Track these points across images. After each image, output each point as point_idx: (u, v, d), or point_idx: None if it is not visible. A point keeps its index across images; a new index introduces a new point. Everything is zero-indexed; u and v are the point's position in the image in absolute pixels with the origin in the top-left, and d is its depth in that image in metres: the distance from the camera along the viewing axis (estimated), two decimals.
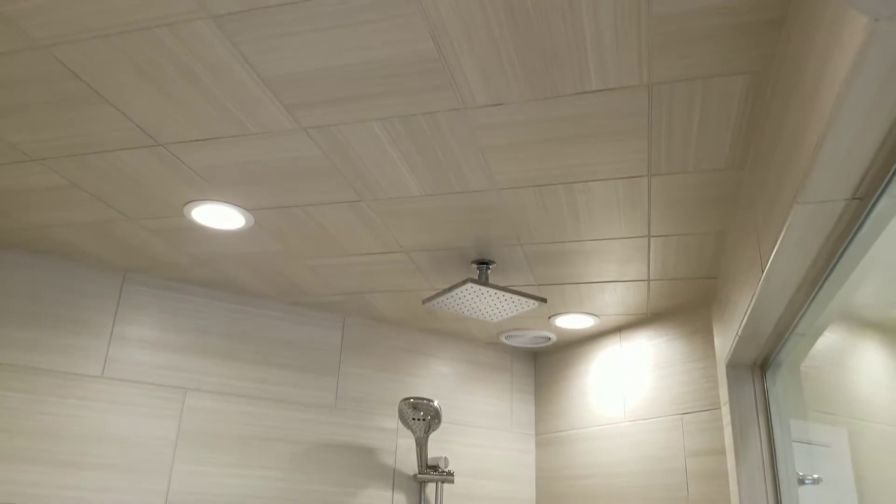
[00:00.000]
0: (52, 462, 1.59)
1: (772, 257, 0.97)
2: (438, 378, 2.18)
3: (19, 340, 1.64)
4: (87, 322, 1.72)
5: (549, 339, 2.16)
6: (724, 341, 1.54)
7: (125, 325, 1.76)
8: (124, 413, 1.70)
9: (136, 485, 1.67)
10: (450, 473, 1.99)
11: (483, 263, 1.62)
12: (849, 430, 1.73)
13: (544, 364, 2.30)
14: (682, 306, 1.83)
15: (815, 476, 1.56)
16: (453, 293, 1.55)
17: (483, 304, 1.61)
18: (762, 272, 1.05)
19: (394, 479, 2.01)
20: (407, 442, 2.06)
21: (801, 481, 1.53)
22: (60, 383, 1.65)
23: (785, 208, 0.88)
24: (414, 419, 1.89)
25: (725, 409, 1.56)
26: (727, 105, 1.00)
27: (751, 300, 1.16)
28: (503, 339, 2.20)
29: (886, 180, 0.75)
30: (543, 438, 2.22)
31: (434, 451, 2.09)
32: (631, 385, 1.92)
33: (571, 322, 1.98)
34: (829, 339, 1.72)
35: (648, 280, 1.66)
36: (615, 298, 1.79)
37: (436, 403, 1.89)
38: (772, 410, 1.51)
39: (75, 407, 1.66)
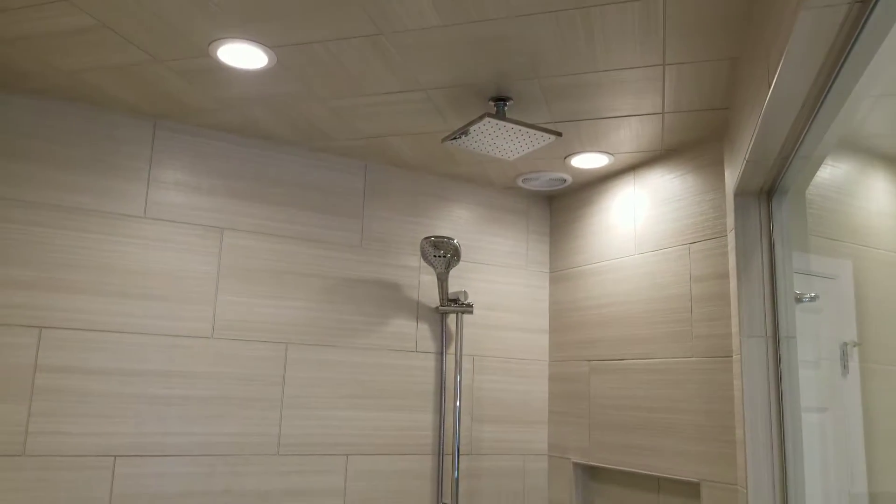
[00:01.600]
0: (103, 293, 1.75)
1: (778, 70, 1.01)
2: (458, 221, 2.28)
3: (63, 183, 1.74)
4: (125, 167, 1.82)
5: (565, 180, 2.23)
6: (733, 170, 1.60)
7: (161, 169, 1.86)
8: (168, 250, 1.84)
9: (185, 312, 1.84)
10: (469, 305, 2.14)
11: (500, 100, 1.66)
12: (853, 261, 1.82)
13: (559, 207, 2.39)
14: (695, 141, 1.87)
15: (812, 294, 1.67)
16: (472, 129, 1.61)
17: (500, 140, 1.67)
18: (769, 89, 1.09)
19: (417, 310, 2.17)
20: (429, 278, 2.20)
21: (799, 299, 1.64)
22: (106, 222, 1.78)
23: (790, 17, 0.91)
24: (435, 256, 2.01)
25: (731, 236, 1.65)
26: None
27: (758, 120, 1.20)
28: (520, 183, 2.28)
29: None
30: (557, 275, 2.35)
31: (454, 286, 2.24)
32: (642, 221, 2.01)
33: (587, 161, 2.04)
34: (837, 170, 1.77)
35: (663, 113, 1.70)
36: (630, 134, 1.84)
37: (455, 241, 2.00)
38: (775, 236, 1.60)
39: (121, 244, 1.79)
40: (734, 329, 1.62)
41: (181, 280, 1.85)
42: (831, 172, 1.78)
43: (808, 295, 1.66)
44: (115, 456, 1.71)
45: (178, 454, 1.78)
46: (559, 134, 1.64)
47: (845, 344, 1.86)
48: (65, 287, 1.71)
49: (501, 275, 2.33)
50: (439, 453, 2.12)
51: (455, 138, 1.68)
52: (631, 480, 2.01)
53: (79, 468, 1.67)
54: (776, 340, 1.57)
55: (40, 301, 1.69)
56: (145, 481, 1.74)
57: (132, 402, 1.75)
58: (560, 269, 2.34)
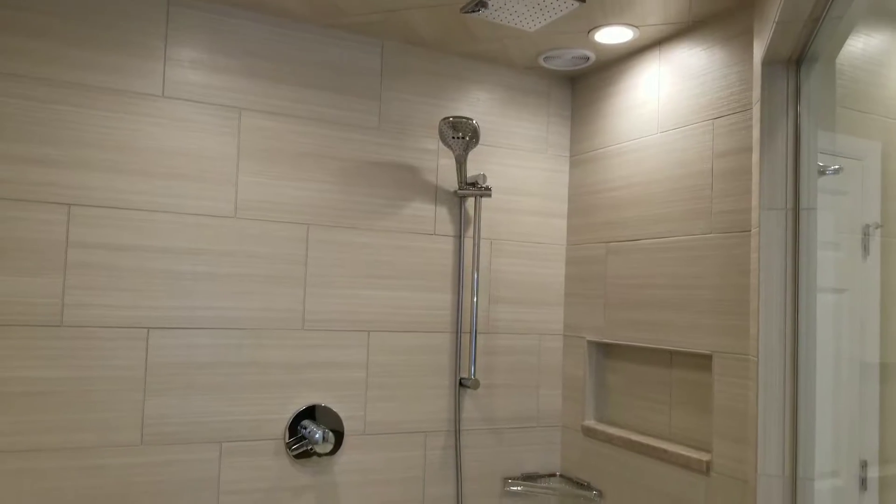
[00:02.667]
0: (127, 171, 1.78)
1: None
2: (477, 104, 2.25)
3: (79, 60, 1.73)
4: (141, 44, 1.80)
5: (588, 58, 2.17)
6: (762, 38, 1.54)
7: (177, 47, 1.84)
8: (187, 129, 1.85)
9: (208, 192, 1.87)
10: (487, 189, 2.14)
11: None
12: (882, 141, 1.78)
13: (581, 88, 2.34)
14: (725, 10, 1.80)
15: (836, 167, 1.64)
16: None
17: (520, 8, 1.61)
18: None
19: (436, 194, 2.18)
20: (447, 162, 2.20)
21: (822, 171, 1.62)
22: (124, 101, 1.78)
23: None
24: (453, 138, 2.00)
25: (756, 108, 1.61)
26: None
27: None
28: (541, 62, 2.22)
29: None
30: (577, 159, 2.33)
31: (472, 170, 2.23)
32: (666, 99, 1.96)
33: (610, 36, 1.98)
34: (871, 40, 1.69)
35: None
36: (657, 3, 1.77)
37: (474, 122, 1.98)
38: (802, 106, 1.55)
39: (140, 123, 1.80)
40: (754, 203, 1.61)
41: (202, 160, 1.86)
42: (864, 43, 1.70)
43: (832, 167, 1.63)
44: (147, 328, 1.79)
45: (207, 327, 1.86)
46: (582, 0, 1.58)
47: (867, 226, 1.85)
48: (90, 165, 1.74)
49: (521, 159, 2.31)
50: (457, 331, 2.18)
51: (474, 10, 1.63)
52: (643, 356, 2.06)
53: (114, 338, 1.76)
54: (796, 213, 1.56)
55: (67, 179, 1.72)
56: (177, 352, 1.82)
57: (161, 278, 1.81)
58: (580, 153, 2.32)
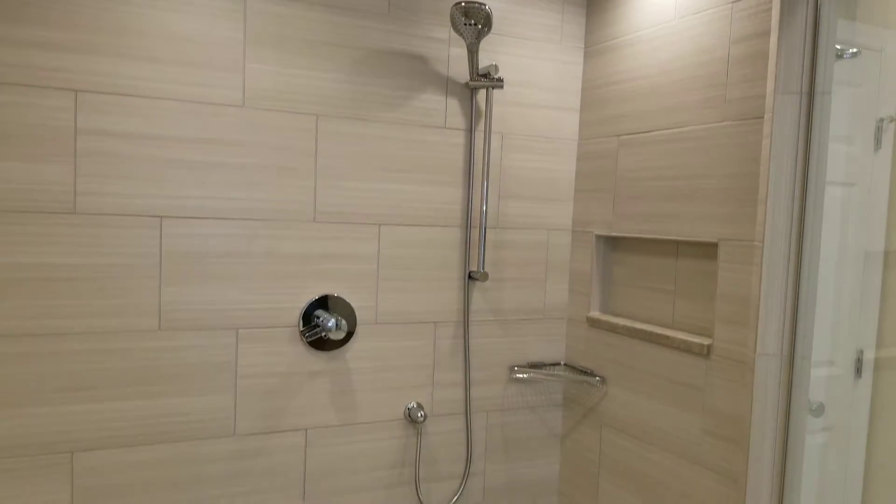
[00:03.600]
0: (131, 56, 1.76)
1: None
2: None
3: None
4: None
5: None
6: None
7: None
8: (190, 13, 1.80)
9: (215, 80, 1.85)
10: (499, 80, 2.11)
11: None
12: None
13: None
14: None
15: (854, 50, 1.60)
16: None
17: None
18: None
19: (447, 85, 2.15)
20: (459, 52, 2.15)
21: (840, 55, 1.58)
22: None
23: None
24: (465, 25, 1.95)
25: None
26: None
27: None
28: None
29: None
30: (592, 50, 2.28)
31: (484, 61, 2.19)
32: None
33: None
34: None
35: None
36: None
37: (487, 7, 1.92)
38: None
39: (146, 6, 1.76)
40: (769, 88, 1.58)
41: (206, 46, 1.83)
42: None
43: (850, 51, 1.59)
44: (160, 217, 1.82)
45: (219, 217, 1.88)
46: None
47: (881, 119, 1.82)
48: (96, 50, 1.72)
49: (534, 50, 2.26)
50: (467, 226, 2.21)
51: None
52: (650, 248, 2.09)
53: (128, 226, 1.79)
54: (811, 98, 1.54)
55: (74, 64, 1.70)
56: (191, 241, 1.86)
57: (172, 167, 1.82)
58: (595, 44, 2.26)
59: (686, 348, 1.85)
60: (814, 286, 1.58)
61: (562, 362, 2.39)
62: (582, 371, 2.30)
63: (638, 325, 2.04)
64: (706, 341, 1.80)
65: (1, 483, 1.70)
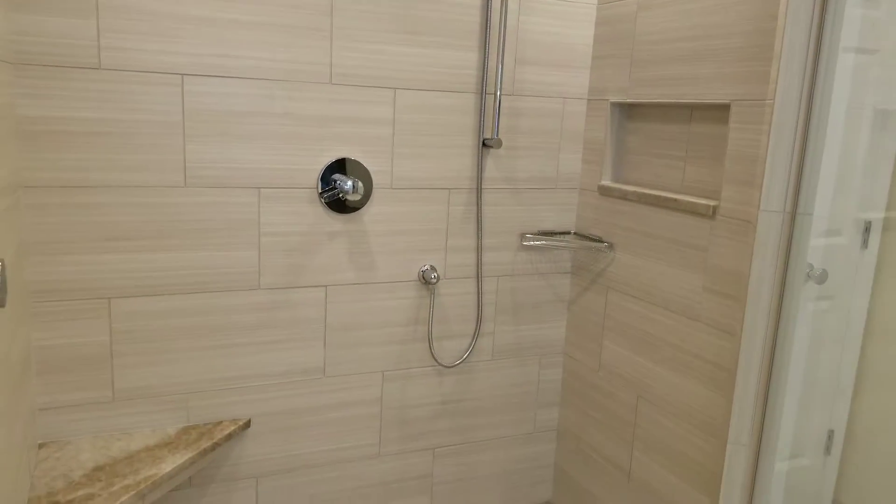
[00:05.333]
0: None
1: None
2: None
3: None
4: None
5: None
6: None
7: None
8: None
9: None
10: None
11: None
12: None
13: None
14: None
15: None
16: None
17: None
18: None
19: None
20: None
21: None
22: None
23: None
24: None
25: None
26: None
27: None
28: None
29: None
30: None
31: None
32: None
33: None
34: None
35: None
36: None
37: None
38: None
39: None
40: None
41: None
42: None
43: None
44: (182, 74, 1.85)
45: (238, 76, 1.91)
46: None
47: None
48: None
49: None
50: (482, 92, 2.22)
51: None
52: (664, 114, 2.10)
53: (151, 83, 1.83)
54: None
55: None
56: (212, 99, 1.90)
57: (191, 23, 1.83)
58: None
59: (692, 210, 1.91)
60: (821, 145, 1.61)
61: (572, 231, 2.46)
62: (591, 238, 2.37)
63: (647, 191, 2.09)
64: (713, 202, 1.85)
65: (48, 324, 1.84)
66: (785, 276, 1.68)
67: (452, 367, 2.39)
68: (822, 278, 1.94)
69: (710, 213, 1.85)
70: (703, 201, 1.88)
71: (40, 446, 1.86)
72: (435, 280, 2.24)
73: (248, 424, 2.11)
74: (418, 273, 2.28)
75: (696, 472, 1.96)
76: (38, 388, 1.86)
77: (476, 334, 2.39)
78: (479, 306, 2.37)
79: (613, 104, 2.25)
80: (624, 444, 2.26)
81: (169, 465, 1.78)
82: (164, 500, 2.05)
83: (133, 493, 1.63)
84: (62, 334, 1.86)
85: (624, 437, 2.26)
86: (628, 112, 2.26)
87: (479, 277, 2.35)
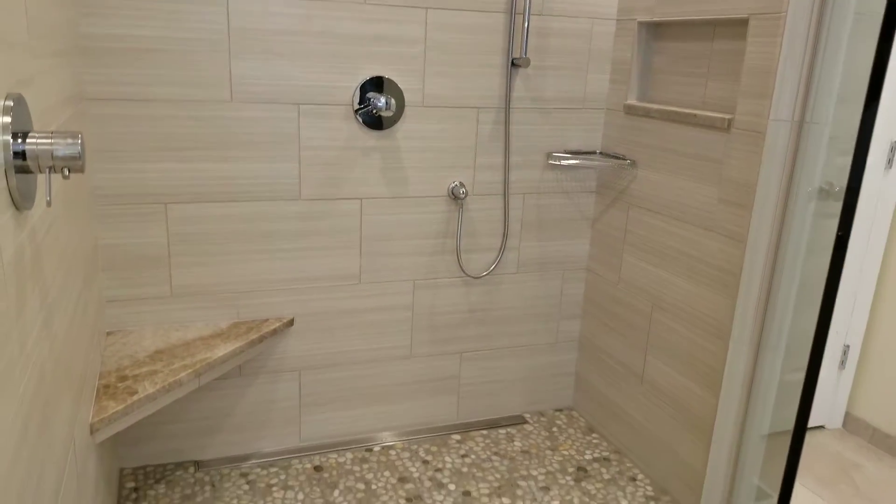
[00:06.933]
0: None
1: None
2: None
3: None
4: None
5: None
6: None
7: None
8: None
9: None
10: None
11: None
12: None
13: None
14: None
15: None
16: None
17: None
18: None
19: None
20: None
21: None
22: None
23: None
24: None
25: None
26: None
27: None
28: None
29: None
30: None
31: None
32: None
33: None
34: None
35: None
36: None
37: None
38: None
39: None
40: None
41: None
42: None
43: None
44: None
45: None
46: None
47: None
48: None
49: None
50: (511, 12, 2.29)
51: None
52: (688, 33, 2.15)
53: (198, 2, 1.96)
54: None
55: None
56: (253, 18, 2.03)
57: None
58: None
59: (710, 124, 1.98)
60: (833, 57, 1.66)
61: (598, 151, 2.55)
62: (615, 157, 2.46)
63: (669, 108, 2.16)
64: (728, 116, 1.92)
65: (112, 225, 2.05)
66: (791, 181, 1.75)
67: (479, 278, 2.54)
68: (840, 195, 2.00)
69: (726, 126, 1.92)
70: (720, 115, 1.95)
71: (108, 334, 2.10)
72: (463, 195, 2.37)
73: (291, 322, 2.31)
74: (448, 188, 2.41)
75: (703, 371, 2.10)
76: (105, 282, 2.09)
77: (502, 248, 2.53)
78: (505, 222, 2.50)
79: (640, 23, 2.30)
80: (638, 350, 2.40)
81: (221, 350, 1.99)
82: (217, 385, 2.29)
83: (190, 370, 1.85)
84: (124, 235, 2.07)
85: (638, 343, 2.40)
86: (654, 31, 2.31)
87: (506, 194, 2.47)
